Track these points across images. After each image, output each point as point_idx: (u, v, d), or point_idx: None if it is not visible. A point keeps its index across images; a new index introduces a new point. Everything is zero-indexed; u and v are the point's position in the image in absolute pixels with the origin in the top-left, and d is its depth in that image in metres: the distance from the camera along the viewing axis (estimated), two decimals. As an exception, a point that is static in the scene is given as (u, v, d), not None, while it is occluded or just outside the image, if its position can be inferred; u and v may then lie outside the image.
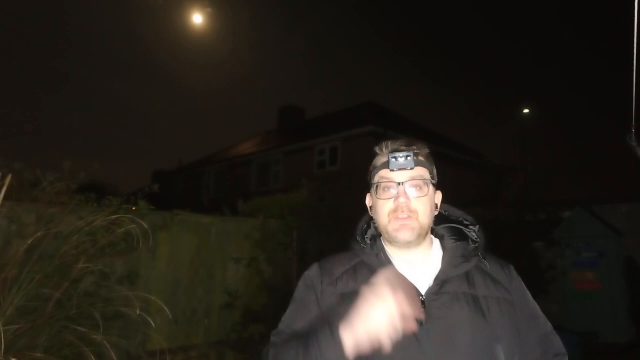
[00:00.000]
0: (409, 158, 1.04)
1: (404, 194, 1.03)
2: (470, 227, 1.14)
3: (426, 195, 1.05)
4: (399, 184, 1.03)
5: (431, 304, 0.99)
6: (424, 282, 1.03)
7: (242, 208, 6.87)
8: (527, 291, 1.11)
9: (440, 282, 1.02)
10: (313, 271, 1.12)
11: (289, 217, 6.27)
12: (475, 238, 1.11)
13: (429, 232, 1.10)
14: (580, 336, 5.33)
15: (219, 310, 5.86)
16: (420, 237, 1.05)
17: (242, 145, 20.74)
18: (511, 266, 1.12)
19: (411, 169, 1.04)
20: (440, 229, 1.16)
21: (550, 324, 1.10)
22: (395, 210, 1.03)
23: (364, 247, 1.11)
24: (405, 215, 1.02)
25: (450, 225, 1.15)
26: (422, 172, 1.06)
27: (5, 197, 2.39)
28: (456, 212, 1.17)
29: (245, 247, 6.14)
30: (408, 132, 13.50)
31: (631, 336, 6.49)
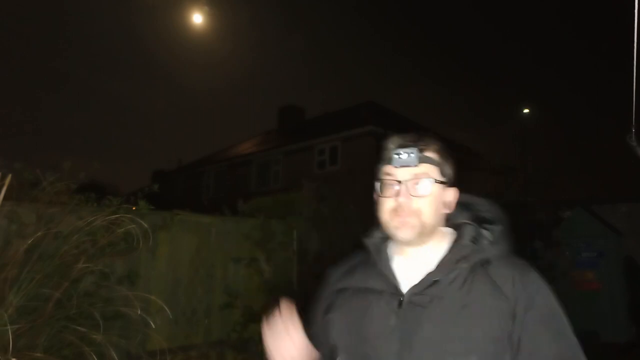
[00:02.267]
0: (412, 155, 0.99)
1: (406, 193, 0.99)
2: (492, 226, 1.04)
3: (429, 194, 0.99)
4: (400, 182, 1.00)
5: (407, 305, 0.96)
6: (414, 282, 0.99)
7: (242, 208, 6.87)
8: (551, 306, 0.96)
9: (425, 283, 0.97)
10: (329, 270, 1.17)
11: (289, 217, 6.28)
12: (491, 240, 1.01)
13: (438, 230, 1.04)
14: (580, 336, 5.33)
15: (219, 310, 5.86)
16: (424, 236, 1.00)
17: (242, 145, 20.73)
18: (529, 274, 0.97)
19: (415, 166, 0.99)
20: (460, 225, 1.07)
21: (578, 351, 0.95)
22: (396, 209, 0.99)
23: (371, 243, 1.10)
24: (406, 214, 0.99)
25: (469, 223, 1.06)
26: (427, 169, 1.00)
27: (5, 197, 2.39)
28: (482, 208, 1.08)
29: (245, 247, 6.14)
30: (408, 132, 13.44)
31: (631, 336, 6.49)
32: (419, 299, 0.96)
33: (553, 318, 0.95)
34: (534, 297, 0.94)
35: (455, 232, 1.06)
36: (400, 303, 0.97)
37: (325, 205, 6.41)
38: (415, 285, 0.98)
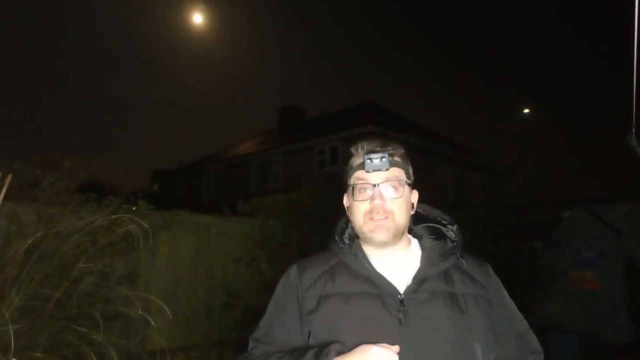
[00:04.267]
0: (384, 159, 1.04)
1: (380, 196, 1.03)
2: (449, 226, 1.14)
3: (402, 196, 1.05)
4: (374, 185, 1.04)
5: (410, 302, 0.99)
6: (402, 281, 1.03)
7: (242, 208, 6.88)
8: (504, 290, 1.13)
9: (419, 280, 1.02)
10: (292, 272, 1.11)
11: (289, 217, 6.27)
12: (454, 237, 1.11)
13: (406, 232, 1.11)
14: (580, 336, 5.33)
15: (219, 310, 5.86)
16: (397, 237, 1.05)
17: (242, 145, 20.73)
18: (488, 265, 1.13)
19: (387, 170, 1.04)
20: (419, 228, 1.16)
21: (526, 323, 1.12)
22: (370, 212, 1.03)
23: (342, 247, 1.11)
24: (381, 217, 1.03)
25: (429, 225, 1.16)
26: (397, 172, 1.06)
27: (5, 197, 2.39)
28: (434, 212, 1.17)
29: (245, 247, 6.14)
30: (408, 132, 13.49)
31: (631, 336, 6.48)
32: (419, 295, 1.00)
33: (510, 301, 1.12)
34: (496, 283, 1.11)
35: (412, 235, 1.15)
36: (401, 302, 0.99)
37: (325, 205, 6.40)
38: (411, 284, 1.02)
